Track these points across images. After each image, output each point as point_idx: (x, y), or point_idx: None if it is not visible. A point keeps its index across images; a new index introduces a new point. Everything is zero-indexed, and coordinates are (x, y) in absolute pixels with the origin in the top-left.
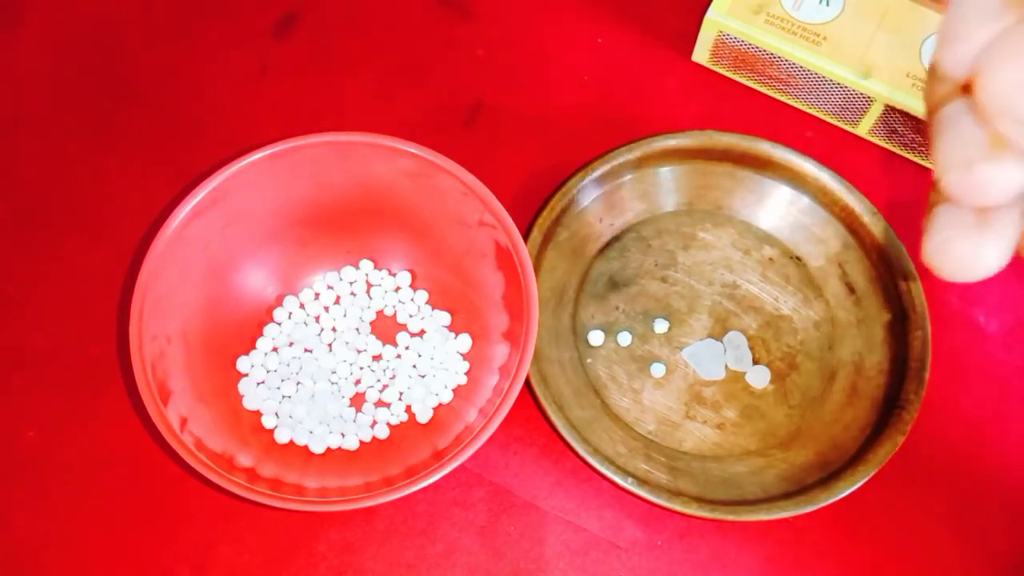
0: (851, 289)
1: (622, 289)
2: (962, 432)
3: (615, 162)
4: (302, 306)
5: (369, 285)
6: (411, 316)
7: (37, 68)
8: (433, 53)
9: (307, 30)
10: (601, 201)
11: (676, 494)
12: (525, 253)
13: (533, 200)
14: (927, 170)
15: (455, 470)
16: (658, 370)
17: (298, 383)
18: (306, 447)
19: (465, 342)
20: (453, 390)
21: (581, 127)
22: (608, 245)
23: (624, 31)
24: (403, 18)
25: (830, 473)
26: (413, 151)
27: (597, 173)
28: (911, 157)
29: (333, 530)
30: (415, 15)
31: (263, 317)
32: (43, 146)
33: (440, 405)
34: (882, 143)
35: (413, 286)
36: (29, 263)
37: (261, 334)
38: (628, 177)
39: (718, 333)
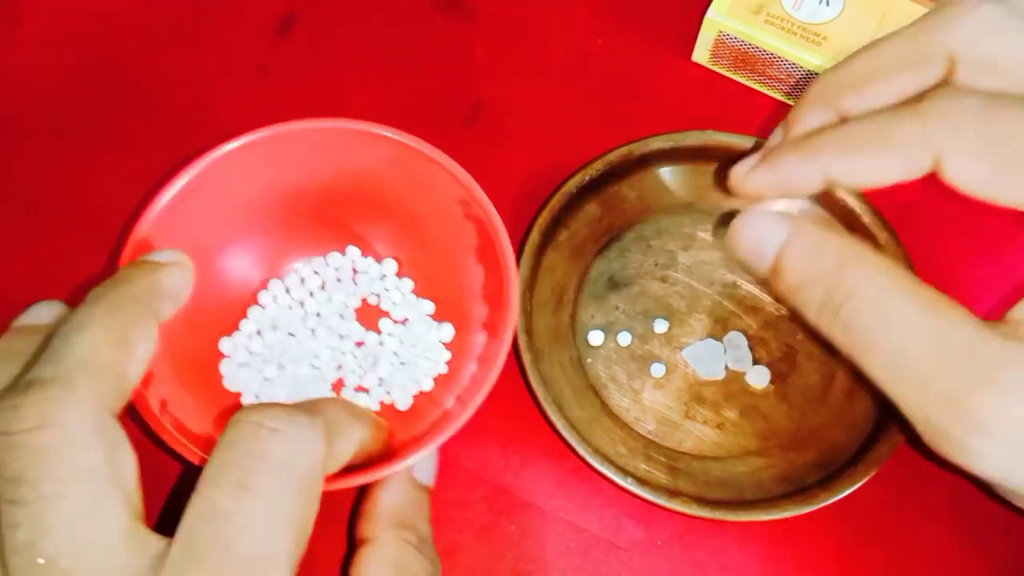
0: None
1: (622, 289)
2: None
3: (615, 162)
4: (287, 290)
5: (355, 272)
6: (395, 304)
7: (35, 68)
8: (433, 53)
9: (307, 30)
10: (601, 201)
11: (676, 494)
12: (507, 242)
13: (533, 200)
14: None
15: (454, 470)
16: (658, 370)
17: (280, 366)
18: None
19: (448, 331)
20: (434, 379)
21: (581, 127)
22: (608, 245)
23: (624, 31)
24: (403, 18)
25: (830, 473)
26: (398, 139)
27: (597, 173)
28: None
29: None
30: (415, 15)
31: (248, 300)
32: (42, 146)
33: (420, 393)
34: None
35: (399, 274)
36: (29, 264)
37: (246, 316)
38: (628, 177)
39: (718, 333)
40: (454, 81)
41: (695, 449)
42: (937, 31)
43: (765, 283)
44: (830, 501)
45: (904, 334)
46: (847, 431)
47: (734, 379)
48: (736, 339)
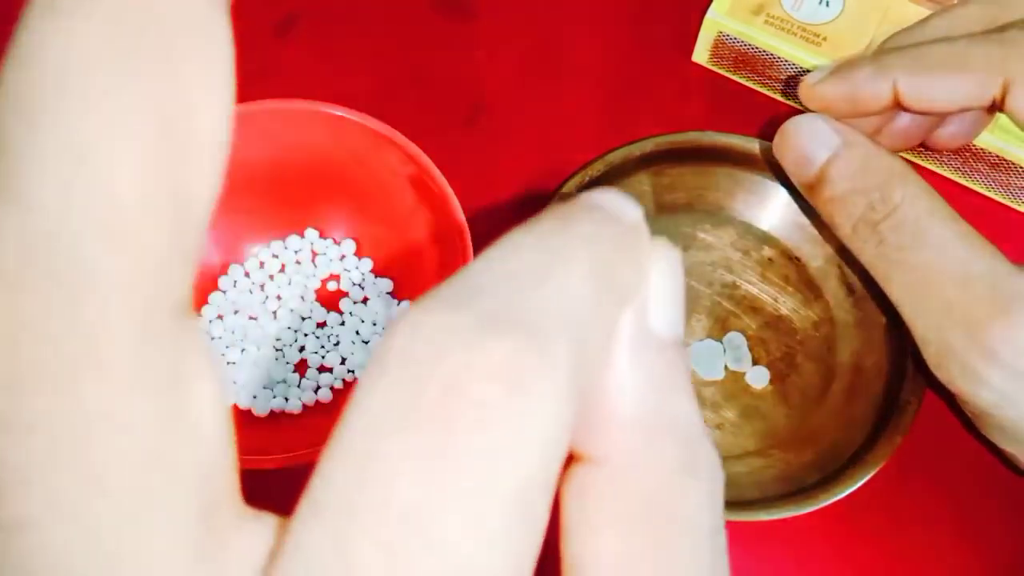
0: (850, 290)
1: None
2: (961, 432)
3: (615, 162)
4: (247, 274)
5: (314, 254)
6: (354, 284)
7: None
8: (433, 53)
9: (307, 30)
10: None
11: None
12: (461, 215)
13: (533, 200)
14: (925, 170)
15: None
16: None
17: (242, 349)
18: (250, 410)
19: (407, 309)
20: None
21: (581, 127)
22: None
23: (624, 31)
24: (403, 18)
25: (829, 473)
26: (347, 116)
27: (597, 173)
28: (910, 158)
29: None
30: (415, 15)
31: (208, 285)
32: None
33: None
34: None
35: (357, 254)
36: None
37: (207, 302)
38: (628, 177)
39: (717, 333)
40: (454, 81)
41: None
42: None
43: (805, 189)
44: (829, 501)
45: (937, 256)
46: (846, 431)
47: (733, 379)
48: (735, 339)
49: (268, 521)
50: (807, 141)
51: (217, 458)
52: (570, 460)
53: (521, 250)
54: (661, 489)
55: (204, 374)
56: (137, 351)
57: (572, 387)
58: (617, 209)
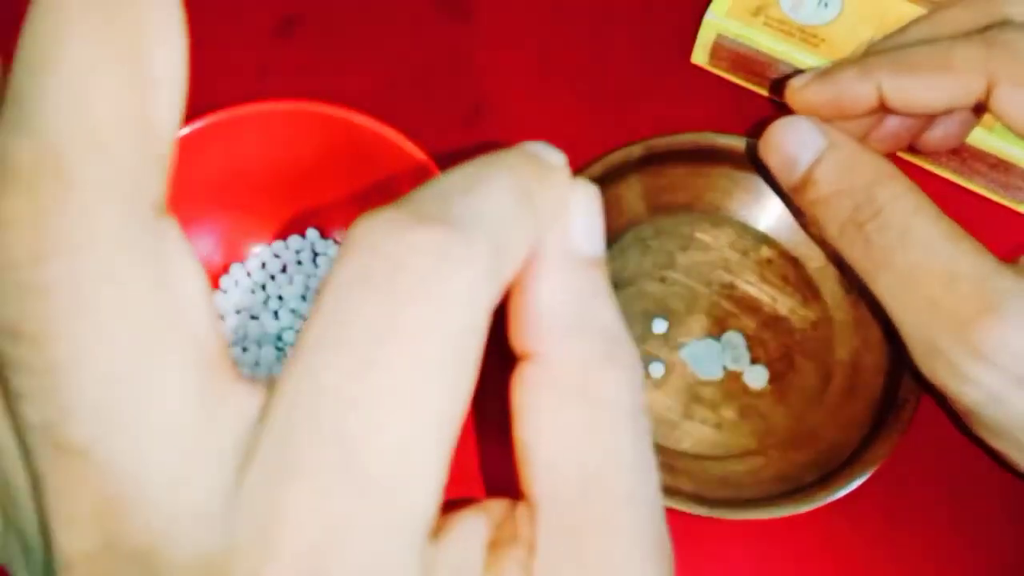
0: (848, 290)
1: (621, 290)
2: (960, 431)
3: (614, 163)
4: (249, 274)
5: (315, 254)
6: None
7: None
8: (433, 53)
9: (307, 31)
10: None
11: (674, 493)
12: None
13: None
14: (925, 171)
15: (452, 471)
16: (656, 370)
17: (244, 349)
18: None
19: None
20: None
21: (580, 128)
22: (607, 246)
23: (623, 32)
24: (403, 18)
25: (828, 472)
26: (356, 119)
27: (596, 174)
28: (907, 157)
29: None
30: (415, 15)
31: (210, 285)
32: None
33: None
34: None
35: None
36: None
37: None
38: (627, 178)
39: (716, 333)
40: (454, 81)
41: (693, 448)
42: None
43: (791, 191)
44: (828, 500)
45: (923, 255)
46: (845, 430)
47: (732, 379)
48: (734, 339)
49: (262, 382)
50: (792, 143)
51: (209, 331)
52: (517, 361)
53: (455, 174)
54: (587, 376)
55: (186, 261)
56: (123, 227)
57: (490, 265)
58: (542, 153)
